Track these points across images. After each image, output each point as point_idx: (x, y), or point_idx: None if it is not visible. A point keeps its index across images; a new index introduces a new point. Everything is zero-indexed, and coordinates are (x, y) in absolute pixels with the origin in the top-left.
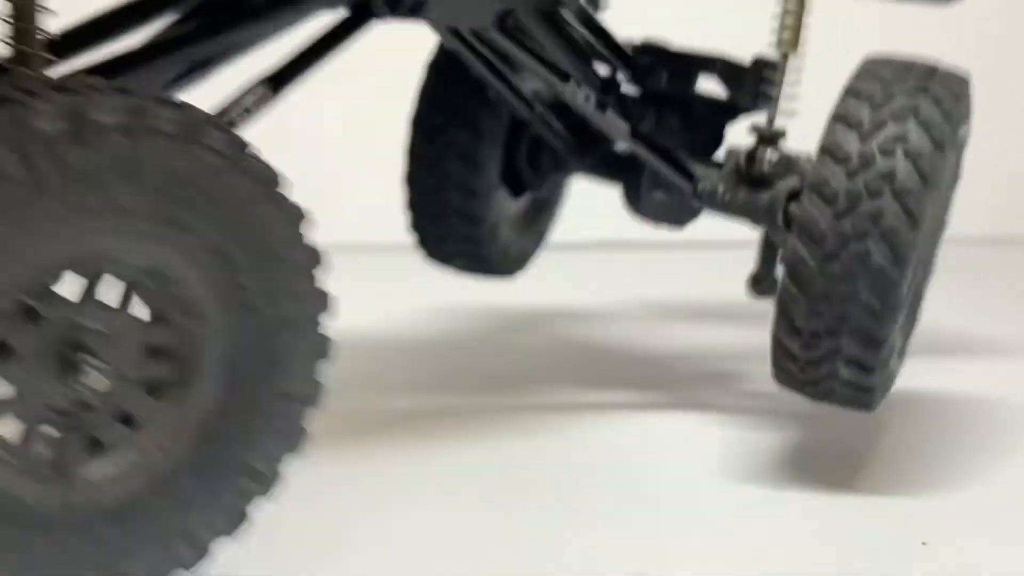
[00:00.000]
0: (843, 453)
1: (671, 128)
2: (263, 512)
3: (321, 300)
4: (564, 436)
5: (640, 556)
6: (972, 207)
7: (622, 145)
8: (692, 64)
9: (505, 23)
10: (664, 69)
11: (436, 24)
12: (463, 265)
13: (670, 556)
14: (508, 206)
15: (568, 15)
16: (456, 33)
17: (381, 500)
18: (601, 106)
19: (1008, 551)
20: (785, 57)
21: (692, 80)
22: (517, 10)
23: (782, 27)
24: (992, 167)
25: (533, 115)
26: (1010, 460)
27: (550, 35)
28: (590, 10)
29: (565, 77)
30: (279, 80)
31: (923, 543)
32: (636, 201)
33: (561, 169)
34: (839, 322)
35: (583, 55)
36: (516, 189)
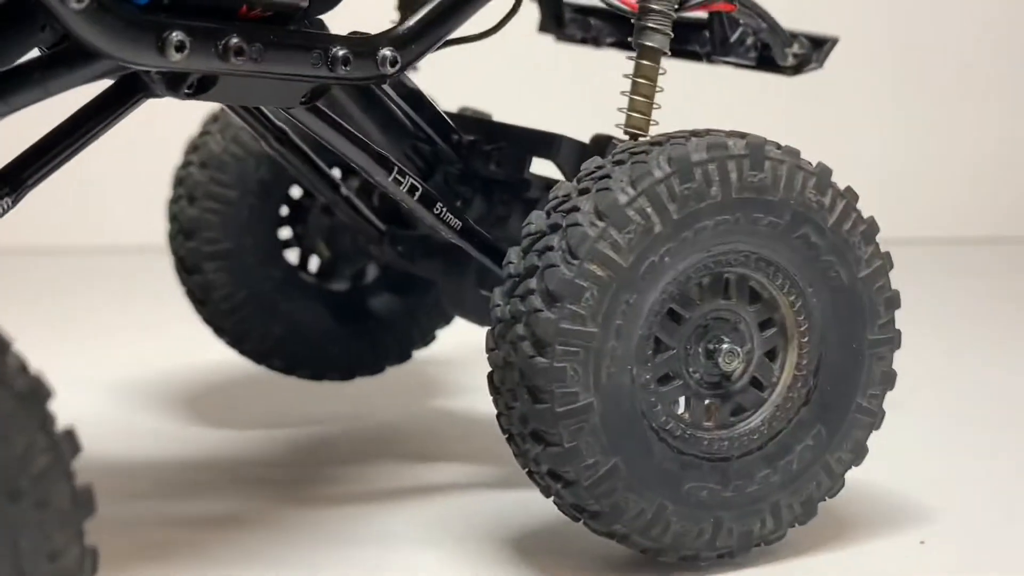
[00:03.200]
0: None
1: (502, 215)
2: None
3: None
4: None
5: None
6: (972, 207)
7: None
8: (524, 143)
9: (313, 103)
10: (493, 149)
11: (221, 102)
12: (283, 367)
13: None
14: (320, 301)
15: (385, 87)
16: (249, 109)
17: None
18: (427, 200)
19: (1008, 551)
20: (634, 139)
21: (526, 163)
22: (332, 89)
23: (632, 102)
24: (993, 167)
25: (337, 198)
26: (1010, 459)
27: (366, 111)
28: (407, 80)
29: (386, 164)
30: (17, 178)
31: (921, 542)
32: (458, 298)
33: (365, 256)
34: None
35: (404, 132)
36: (322, 278)
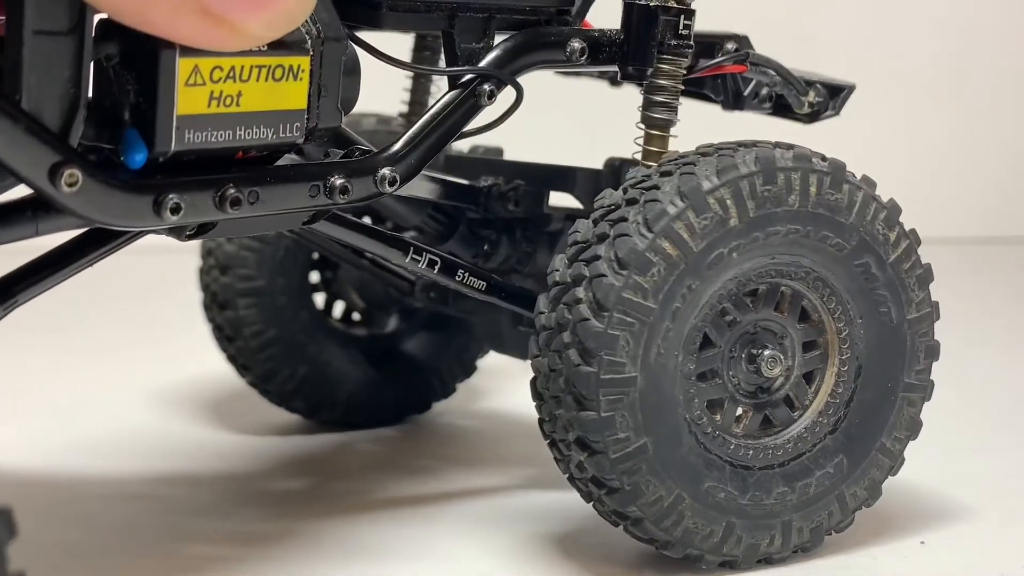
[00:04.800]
0: None
1: (527, 253)
2: None
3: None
4: None
5: None
6: (972, 207)
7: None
8: (541, 179)
9: (316, 220)
10: (511, 190)
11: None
12: (304, 409)
13: None
14: (346, 346)
15: None
16: None
17: None
18: (448, 270)
19: (1008, 551)
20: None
21: (544, 198)
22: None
23: (648, 138)
24: (992, 167)
25: (362, 261)
26: (1009, 459)
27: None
28: None
29: (402, 247)
30: (11, 289)
31: (922, 542)
32: (498, 339)
33: (399, 301)
34: None
35: (421, 201)
36: (346, 318)
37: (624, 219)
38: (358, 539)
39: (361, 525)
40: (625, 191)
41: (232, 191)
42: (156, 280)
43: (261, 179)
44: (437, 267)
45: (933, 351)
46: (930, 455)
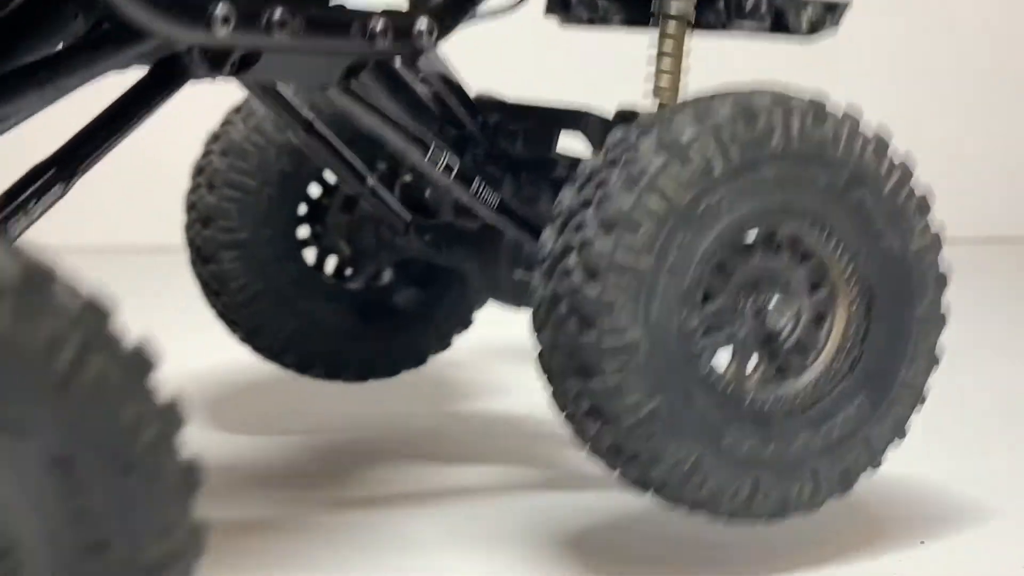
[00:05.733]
0: None
1: (530, 196)
2: None
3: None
4: None
5: None
6: (972, 207)
7: (467, 219)
8: (549, 121)
9: (350, 82)
10: (519, 128)
11: (261, 81)
12: (296, 364)
13: None
14: (338, 300)
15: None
16: (272, 92)
17: None
18: (464, 178)
19: (1009, 551)
20: (663, 108)
21: (552, 140)
22: (369, 65)
23: (659, 72)
24: (992, 167)
25: (364, 189)
26: (1010, 459)
27: (393, 95)
28: (435, 58)
29: (422, 144)
30: (70, 165)
31: (921, 542)
32: (493, 283)
33: (391, 249)
34: None
35: (431, 115)
36: (340, 277)
37: (607, 181)
38: (351, 538)
39: (355, 524)
40: (606, 153)
41: (280, 13)
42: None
43: (306, 10)
44: (453, 173)
45: (942, 280)
46: (931, 455)
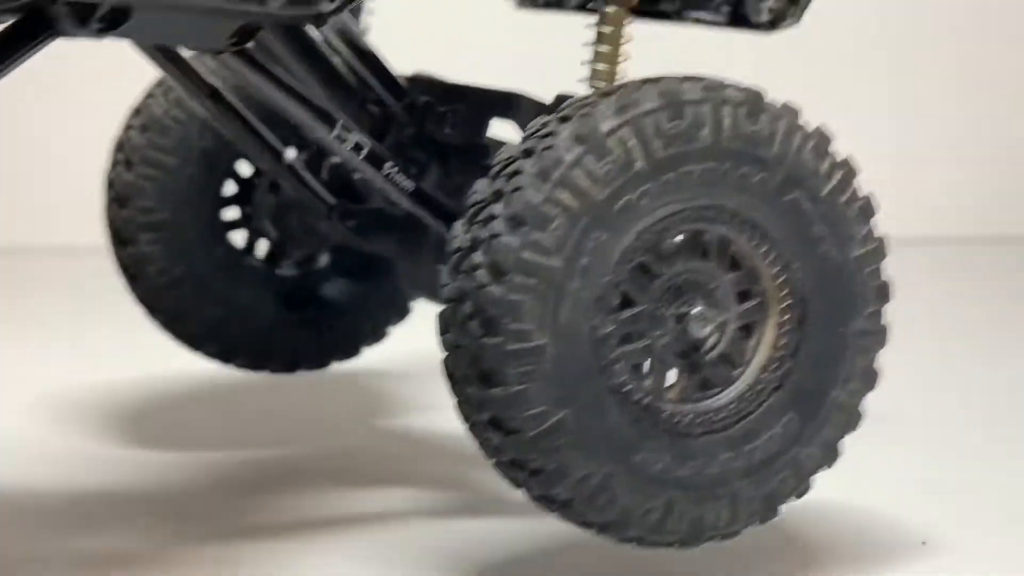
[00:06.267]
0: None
1: (458, 186)
2: None
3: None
4: None
5: None
6: (972, 207)
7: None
8: (482, 104)
9: (244, 47)
10: (448, 111)
11: (146, 45)
12: (218, 353)
13: None
14: (265, 286)
15: (329, 36)
16: (172, 56)
17: None
18: (374, 160)
19: (1009, 551)
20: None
21: (483, 125)
22: (264, 28)
23: (596, 58)
24: (992, 167)
25: (279, 168)
26: (1010, 459)
27: (306, 65)
28: (353, 29)
29: (328, 120)
30: None
31: (923, 543)
32: (416, 276)
33: (315, 238)
34: None
35: (349, 90)
36: (269, 262)
37: (519, 172)
38: (266, 566)
39: (272, 549)
40: (523, 141)
41: None
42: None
43: None
44: (363, 152)
45: (884, 292)
46: (931, 455)
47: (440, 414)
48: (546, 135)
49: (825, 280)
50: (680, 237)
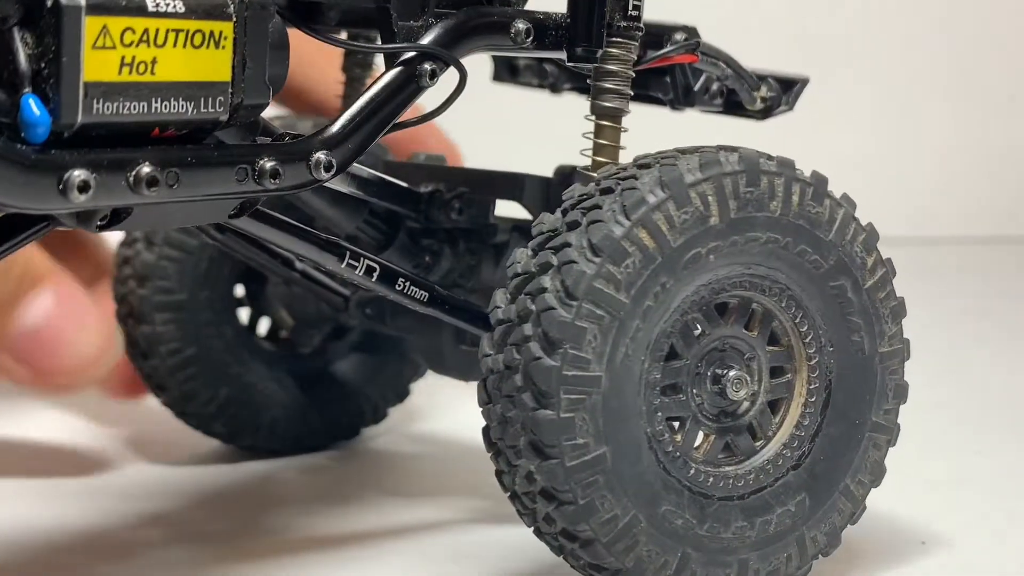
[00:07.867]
0: None
1: (470, 266)
2: None
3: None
4: None
5: None
6: (972, 207)
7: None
8: (487, 187)
9: (244, 211)
10: (455, 197)
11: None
12: (225, 434)
13: None
14: (272, 367)
15: None
16: None
17: None
18: (387, 279)
19: (1009, 552)
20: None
21: (490, 208)
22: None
23: (599, 130)
24: (992, 167)
25: (292, 274)
26: (1010, 459)
27: (312, 192)
28: None
29: (337, 250)
30: None
31: (923, 543)
32: (438, 359)
33: (332, 321)
34: None
35: (356, 204)
36: (273, 336)
37: (599, 207)
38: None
39: (288, 565)
40: (564, 214)
41: (148, 169)
42: None
43: (181, 159)
44: (376, 275)
45: (902, 391)
46: (931, 455)
47: (459, 420)
48: (627, 177)
49: (852, 370)
50: (732, 302)
